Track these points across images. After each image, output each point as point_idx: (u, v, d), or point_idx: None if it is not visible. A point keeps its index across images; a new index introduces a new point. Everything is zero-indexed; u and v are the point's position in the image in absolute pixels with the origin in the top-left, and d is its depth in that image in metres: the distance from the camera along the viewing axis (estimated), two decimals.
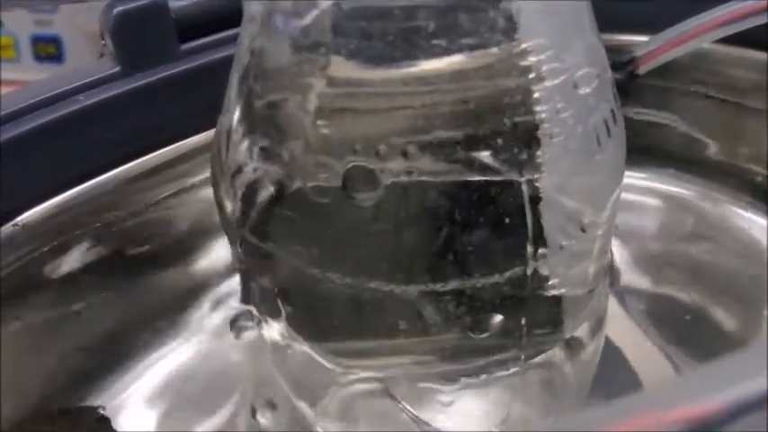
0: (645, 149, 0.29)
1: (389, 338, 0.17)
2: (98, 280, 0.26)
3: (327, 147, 0.15)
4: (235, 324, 0.22)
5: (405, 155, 0.15)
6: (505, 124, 0.16)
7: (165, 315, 0.28)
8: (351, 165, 0.15)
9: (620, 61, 0.27)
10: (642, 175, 0.30)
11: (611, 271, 0.28)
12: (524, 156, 0.16)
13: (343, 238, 0.15)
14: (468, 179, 0.16)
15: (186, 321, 0.28)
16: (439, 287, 0.15)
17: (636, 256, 0.29)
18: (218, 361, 0.27)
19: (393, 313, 0.16)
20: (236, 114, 0.17)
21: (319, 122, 0.15)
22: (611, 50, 0.28)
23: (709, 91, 0.29)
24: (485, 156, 0.16)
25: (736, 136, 0.29)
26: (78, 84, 0.23)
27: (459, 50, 0.15)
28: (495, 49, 0.15)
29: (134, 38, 0.23)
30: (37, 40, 0.48)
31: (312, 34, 0.14)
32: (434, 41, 0.14)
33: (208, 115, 0.19)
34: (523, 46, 0.16)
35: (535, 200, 0.17)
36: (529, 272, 0.16)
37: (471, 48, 0.15)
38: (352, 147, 0.15)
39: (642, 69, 0.27)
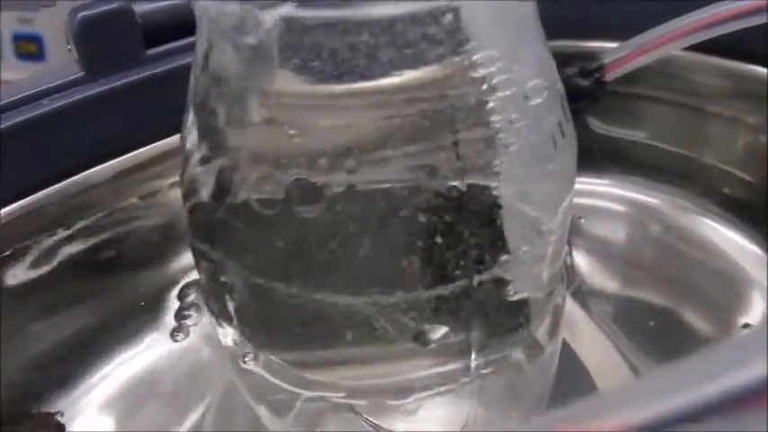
0: (611, 156, 0.30)
1: (339, 349, 0.17)
2: (63, 283, 0.26)
3: (271, 159, 0.15)
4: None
5: (351, 169, 0.15)
6: (456, 135, 0.16)
7: (135, 317, 0.28)
8: (294, 177, 0.15)
9: (588, 68, 0.27)
10: (608, 181, 0.30)
11: (568, 272, 0.28)
12: (476, 165, 0.16)
13: (287, 250, 0.15)
14: (417, 190, 0.16)
15: (156, 323, 0.29)
16: (384, 299, 0.15)
17: (601, 262, 0.29)
18: (187, 364, 0.27)
19: (341, 324, 0.16)
20: (189, 121, 0.18)
21: (262, 135, 0.15)
22: (579, 57, 0.29)
23: (677, 98, 0.29)
24: (434, 166, 0.16)
25: (702, 144, 0.29)
26: (41, 89, 0.23)
27: (408, 66, 0.15)
28: (444, 62, 0.16)
29: (98, 43, 0.23)
30: (18, 39, 0.48)
31: (258, 49, 0.14)
32: (382, 57, 0.15)
33: (176, 120, 0.19)
34: (474, 58, 0.16)
35: (491, 207, 0.17)
36: (476, 281, 0.16)
37: (420, 62, 0.15)
38: (296, 159, 0.15)
39: (610, 76, 0.28)
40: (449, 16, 0.14)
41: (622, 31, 0.28)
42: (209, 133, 0.17)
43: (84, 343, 0.27)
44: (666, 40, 0.27)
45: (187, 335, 0.28)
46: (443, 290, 0.16)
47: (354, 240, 0.15)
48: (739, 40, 0.26)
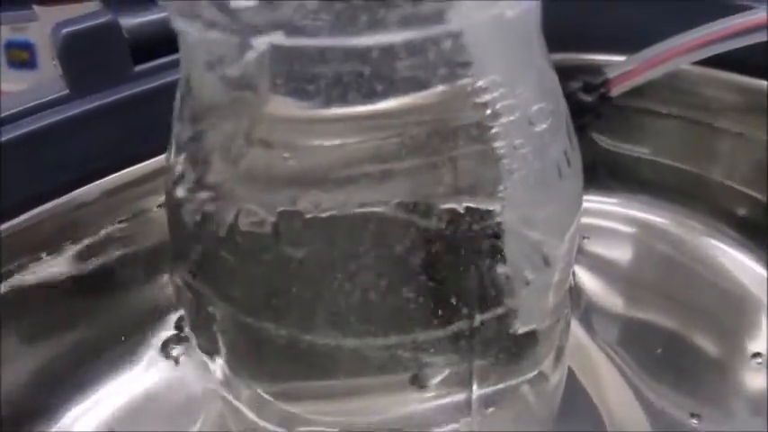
0: (615, 173, 0.29)
1: (331, 385, 0.16)
2: (51, 304, 0.25)
3: (259, 188, 0.14)
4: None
5: (344, 198, 0.14)
6: (457, 161, 0.15)
7: (126, 338, 0.27)
8: (282, 209, 0.14)
9: (592, 83, 0.27)
10: (613, 199, 0.29)
11: (572, 294, 0.27)
12: (478, 192, 0.16)
13: (274, 287, 0.15)
14: (413, 222, 0.15)
15: (147, 345, 0.28)
16: (378, 342, 0.14)
17: (606, 282, 0.28)
18: (180, 388, 0.27)
19: (333, 365, 0.15)
20: (174, 145, 0.17)
21: (249, 162, 0.14)
22: (584, 71, 0.28)
23: (684, 113, 0.29)
24: (433, 196, 0.15)
25: (710, 161, 0.28)
26: (25, 107, 0.22)
27: (405, 93, 0.14)
28: (445, 88, 0.15)
29: (84, 60, 0.22)
30: (11, 46, 0.47)
31: (243, 77, 0.13)
32: (376, 85, 0.14)
33: (165, 139, 0.18)
34: (477, 84, 0.15)
35: (493, 240, 0.16)
36: (478, 321, 0.16)
37: (419, 89, 0.14)
38: (286, 186, 0.14)
39: (615, 92, 0.27)
40: (447, 43, 0.13)
41: (628, 44, 0.27)
42: (194, 158, 0.16)
43: (69, 369, 0.26)
44: (674, 54, 0.26)
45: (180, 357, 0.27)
46: (442, 332, 0.15)
47: (345, 278, 0.14)
48: (749, 54, 0.25)
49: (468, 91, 0.15)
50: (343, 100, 0.14)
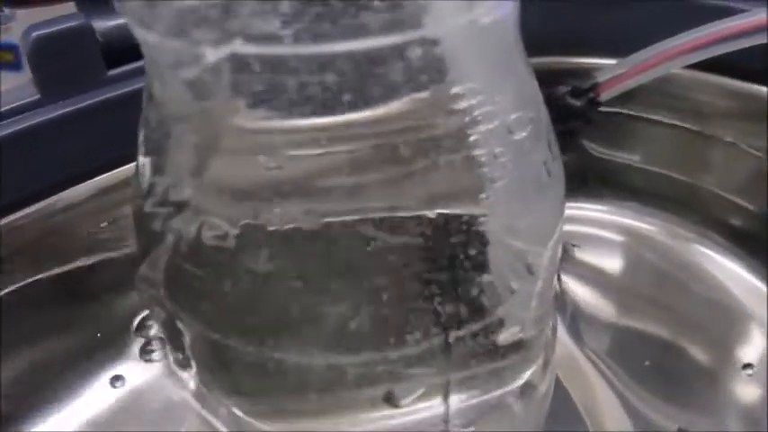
0: (605, 181, 0.28)
1: (303, 401, 0.16)
2: (30, 309, 0.25)
3: (220, 203, 0.14)
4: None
5: (311, 209, 0.13)
6: (434, 170, 0.15)
7: (106, 346, 0.27)
8: (244, 223, 0.13)
9: (581, 87, 0.26)
10: (602, 207, 0.28)
11: (558, 301, 0.27)
12: (456, 201, 0.15)
13: (240, 303, 0.14)
14: (384, 234, 0.14)
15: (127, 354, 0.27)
16: (348, 360, 0.14)
17: (595, 292, 0.28)
18: (161, 393, 0.26)
19: (304, 383, 0.15)
20: (141, 153, 0.16)
21: (211, 176, 0.13)
22: (572, 75, 0.27)
23: (675, 119, 0.28)
24: (407, 205, 0.15)
25: (702, 169, 0.28)
26: None
27: (379, 101, 0.14)
28: (422, 95, 0.14)
29: (55, 64, 0.22)
30: None
31: (203, 86, 0.12)
32: (345, 95, 0.13)
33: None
34: (455, 91, 0.14)
35: (471, 249, 0.16)
36: (453, 337, 0.15)
37: (393, 97, 0.14)
38: (251, 199, 0.13)
39: (604, 96, 0.26)
40: (421, 50, 0.13)
41: (618, 48, 0.26)
42: (157, 168, 0.15)
43: (47, 377, 0.25)
44: (666, 58, 0.25)
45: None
46: (417, 348, 0.14)
47: (312, 294, 0.14)
48: (742, 58, 0.24)
49: (445, 99, 0.14)
50: (311, 110, 0.13)
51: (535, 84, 0.16)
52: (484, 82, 0.15)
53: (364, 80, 0.13)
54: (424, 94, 0.14)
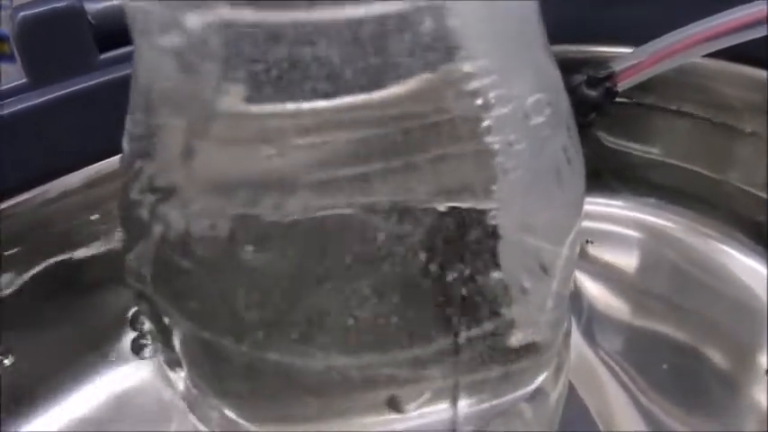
0: (622, 175, 0.27)
1: (300, 406, 0.15)
2: (17, 307, 0.24)
3: (215, 188, 0.13)
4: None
5: (307, 201, 0.12)
6: (444, 158, 0.14)
7: (97, 342, 0.26)
8: (237, 214, 0.12)
9: (597, 77, 0.25)
10: (619, 203, 0.28)
11: (572, 303, 0.26)
12: (468, 192, 0.14)
13: (232, 300, 0.13)
14: (387, 224, 0.13)
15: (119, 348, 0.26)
16: (348, 362, 0.13)
17: (611, 292, 0.27)
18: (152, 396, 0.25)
19: (300, 386, 0.14)
20: (127, 138, 0.15)
21: (202, 163, 0.12)
22: (588, 64, 0.26)
23: (697, 111, 0.27)
24: (413, 195, 0.14)
25: (726, 163, 0.27)
26: None
27: (382, 81, 0.12)
28: (429, 75, 0.13)
29: (44, 46, 0.21)
30: None
31: (188, 59, 0.11)
32: (345, 71, 0.12)
33: None
34: (466, 68, 0.13)
35: (483, 245, 0.14)
36: (464, 338, 0.14)
37: (398, 76, 0.13)
38: (245, 187, 0.12)
39: (621, 86, 0.25)
40: (429, 20, 0.12)
41: (636, 36, 0.25)
42: (145, 155, 0.14)
43: (37, 374, 0.25)
44: (685, 47, 0.24)
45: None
46: (422, 350, 0.13)
47: (309, 290, 0.12)
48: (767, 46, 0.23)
49: (456, 79, 0.13)
50: (309, 93, 0.12)
51: (554, 65, 0.15)
52: (498, 60, 0.13)
53: (367, 56, 0.12)
54: (431, 74, 0.13)
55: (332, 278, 0.12)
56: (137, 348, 0.26)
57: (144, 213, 0.14)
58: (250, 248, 0.12)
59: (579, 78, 0.26)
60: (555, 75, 0.15)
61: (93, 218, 0.23)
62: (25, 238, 0.23)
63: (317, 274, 0.12)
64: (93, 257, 0.25)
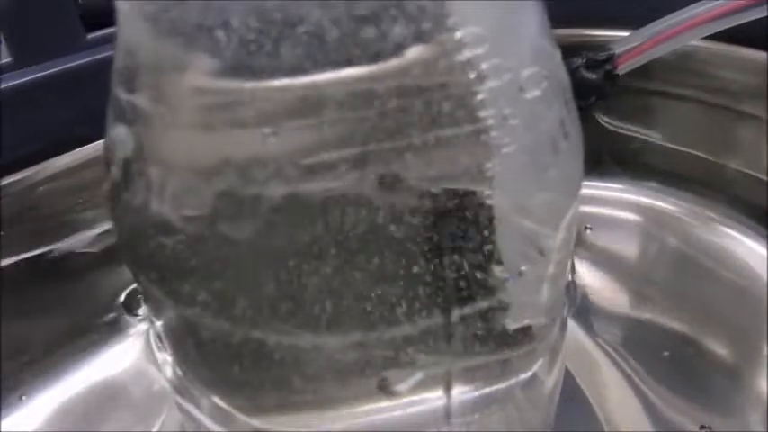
0: (622, 159, 0.27)
1: (289, 392, 0.14)
2: (9, 292, 0.24)
3: (196, 165, 0.12)
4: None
5: (292, 176, 0.12)
6: (435, 132, 0.13)
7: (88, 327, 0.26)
8: (221, 189, 0.12)
9: (597, 59, 0.25)
10: (618, 187, 0.27)
11: (570, 290, 0.25)
12: (461, 170, 0.14)
13: (216, 276, 0.12)
14: (376, 200, 0.13)
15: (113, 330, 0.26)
16: (336, 341, 0.12)
17: (610, 278, 0.26)
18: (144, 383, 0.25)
19: (289, 367, 0.13)
20: (112, 114, 0.15)
21: (185, 138, 0.12)
22: (587, 47, 0.26)
23: (698, 95, 0.27)
24: (403, 172, 0.13)
25: (727, 147, 0.27)
26: None
27: (368, 56, 0.12)
28: (419, 45, 0.13)
29: (30, 24, 0.20)
30: None
31: (166, 26, 0.11)
32: (326, 43, 0.11)
33: None
34: (456, 36, 0.13)
35: (477, 222, 0.14)
36: (456, 316, 0.13)
37: (383, 48, 0.12)
38: (229, 164, 0.12)
39: (622, 69, 0.25)
40: None
41: (636, 18, 0.25)
42: (128, 131, 0.14)
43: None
44: (685, 28, 0.24)
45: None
46: (413, 328, 0.13)
47: (297, 266, 0.12)
48: None
49: (446, 49, 0.13)
50: (291, 67, 0.12)
51: (551, 37, 0.15)
52: (491, 29, 0.13)
53: (356, 26, 0.12)
54: (419, 47, 0.13)
55: (316, 251, 0.12)
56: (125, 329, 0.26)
57: (128, 190, 0.14)
58: (231, 223, 0.12)
59: (578, 61, 0.25)
60: (552, 48, 0.15)
61: (80, 201, 0.23)
62: (11, 222, 0.23)
63: (300, 248, 0.12)
64: (80, 242, 0.24)
